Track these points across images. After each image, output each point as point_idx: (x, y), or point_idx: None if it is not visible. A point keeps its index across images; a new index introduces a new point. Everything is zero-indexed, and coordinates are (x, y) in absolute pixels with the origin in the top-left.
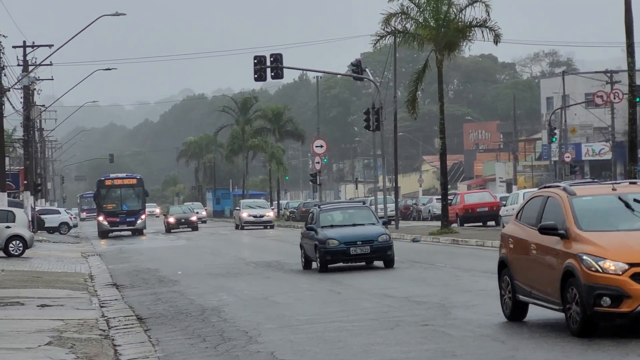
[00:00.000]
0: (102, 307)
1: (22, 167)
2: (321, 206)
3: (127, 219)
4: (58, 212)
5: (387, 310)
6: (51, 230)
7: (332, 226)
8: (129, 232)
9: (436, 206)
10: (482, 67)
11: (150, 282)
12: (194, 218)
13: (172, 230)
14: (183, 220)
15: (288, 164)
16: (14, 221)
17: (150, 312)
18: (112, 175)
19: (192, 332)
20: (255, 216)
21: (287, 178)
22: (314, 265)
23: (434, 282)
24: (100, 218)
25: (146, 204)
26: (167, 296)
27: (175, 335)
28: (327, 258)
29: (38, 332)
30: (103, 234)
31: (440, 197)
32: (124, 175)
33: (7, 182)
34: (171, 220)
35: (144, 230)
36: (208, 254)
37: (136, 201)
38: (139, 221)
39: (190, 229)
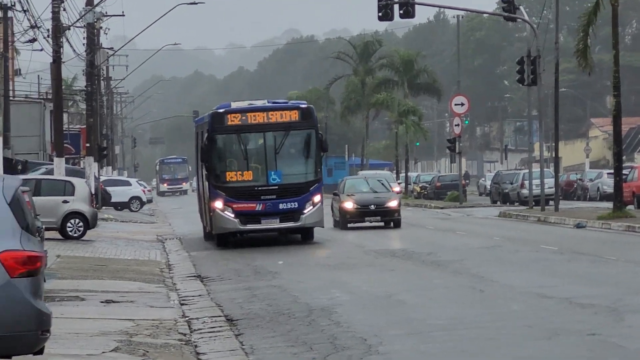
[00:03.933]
0: (182, 304)
1: (84, 126)
2: None
3: (281, 205)
4: (128, 184)
5: (543, 314)
6: (119, 206)
7: None
8: (279, 230)
9: (607, 183)
10: None
11: (243, 274)
12: (393, 203)
13: (349, 225)
14: (373, 206)
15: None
16: (72, 194)
17: (243, 312)
18: (239, 105)
19: (295, 338)
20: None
21: (417, 144)
22: None
23: (603, 280)
24: (218, 204)
25: None
26: (265, 292)
27: (275, 342)
28: None
29: (102, 334)
30: (222, 234)
31: (612, 171)
32: (265, 103)
33: (66, 145)
34: (348, 205)
35: (315, 231)
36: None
37: (301, 162)
38: (308, 210)
39: (383, 223)
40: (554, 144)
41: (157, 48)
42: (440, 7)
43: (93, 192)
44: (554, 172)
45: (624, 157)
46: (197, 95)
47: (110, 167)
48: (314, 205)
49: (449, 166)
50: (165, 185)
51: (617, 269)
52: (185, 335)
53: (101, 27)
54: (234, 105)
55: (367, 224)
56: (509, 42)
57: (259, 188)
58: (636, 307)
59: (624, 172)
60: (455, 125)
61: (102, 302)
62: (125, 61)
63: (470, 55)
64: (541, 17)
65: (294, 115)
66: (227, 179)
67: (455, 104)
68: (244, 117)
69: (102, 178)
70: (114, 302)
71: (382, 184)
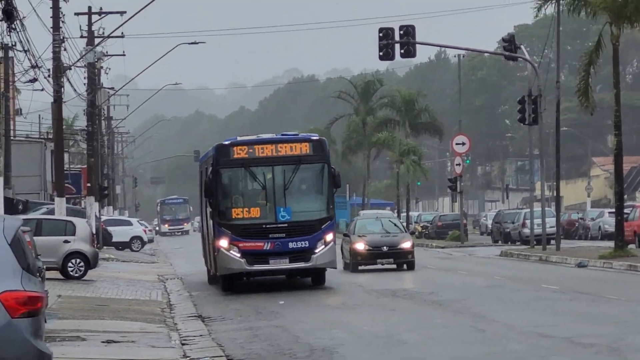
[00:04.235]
0: (183, 344)
1: (85, 166)
2: None
3: (291, 244)
4: (129, 224)
5: (545, 354)
6: (120, 246)
7: None
8: (288, 272)
9: (608, 222)
10: None
11: (244, 314)
12: (407, 244)
13: (360, 267)
14: (386, 248)
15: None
16: (73, 234)
17: (245, 352)
18: (245, 138)
19: None
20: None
21: (418, 184)
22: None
23: (604, 319)
24: (223, 243)
25: None
26: (266, 332)
27: None
28: None
29: None
30: (227, 277)
31: (613, 210)
32: (272, 136)
33: (67, 185)
34: (360, 247)
35: (326, 273)
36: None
37: (312, 198)
38: (319, 249)
39: (395, 265)
40: (555, 183)
41: (158, 87)
42: (441, 46)
43: (94, 231)
44: (556, 211)
45: (625, 196)
46: (198, 134)
47: (111, 207)
48: (326, 244)
49: (450, 205)
50: (166, 225)
51: (618, 309)
52: None
53: (102, 67)
54: (241, 138)
55: (379, 266)
56: (510, 82)
57: (267, 226)
58: (638, 346)
59: (626, 211)
60: (457, 164)
61: (103, 342)
62: (126, 101)
63: (471, 95)
64: (542, 56)
65: (304, 148)
66: (233, 216)
67: (457, 143)
68: (251, 150)
69: (103, 218)
70: (115, 342)
71: (395, 224)
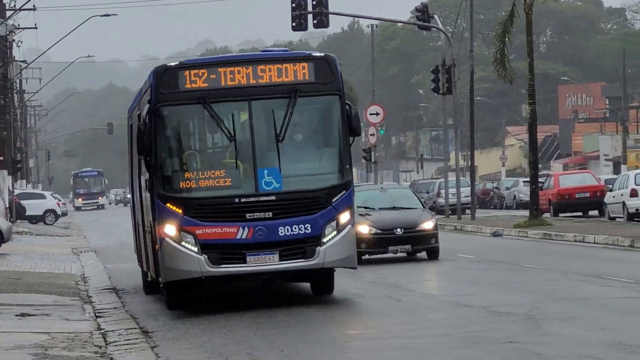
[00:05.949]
0: (97, 317)
1: None
2: None
3: (282, 229)
4: (43, 197)
5: (462, 323)
6: (34, 219)
7: None
8: (278, 274)
9: (523, 191)
10: (583, 14)
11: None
12: (428, 224)
13: (365, 257)
14: (400, 230)
15: None
16: None
17: (159, 324)
18: (203, 58)
19: (212, 349)
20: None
21: None
22: None
23: (520, 288)
24: (169, 229)
25: None
26: None
27: (190, 354)
28: None
29: (17, 348)
30: (175, 284)
31: (528, 179)
32: (248, 53)
33: None
34: (363, 230)
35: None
36: None
37: (315, 154)
38: (329, 237)
39: (405, 255)
40: (469, 153)
41: (71, 60)
42: (354, 16)
43: (7, 205)
44: (470, 180)
45: (539, 165)
46: (111, 107)
47: (24, 181)
48: (339, 228)
49: (365, 175)
50: (80, 200)
51: (534, 277)
52: (100, 347)
53: (14, 40)
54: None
55: (390, 255)
56: (424, 51)
57: (243, 200)
58: (553, 314)
59: (540, 180)
60: (371, 134)
61: (17, 315)
62: (39, 74)
63: (385, 65)
64: (455, 26)
65: (302, 71)
66: (185, 185)
67: (370, 114)
68: (213, 75)
69: (17, 191)
70: (29, 315)
71: (409, 197)
